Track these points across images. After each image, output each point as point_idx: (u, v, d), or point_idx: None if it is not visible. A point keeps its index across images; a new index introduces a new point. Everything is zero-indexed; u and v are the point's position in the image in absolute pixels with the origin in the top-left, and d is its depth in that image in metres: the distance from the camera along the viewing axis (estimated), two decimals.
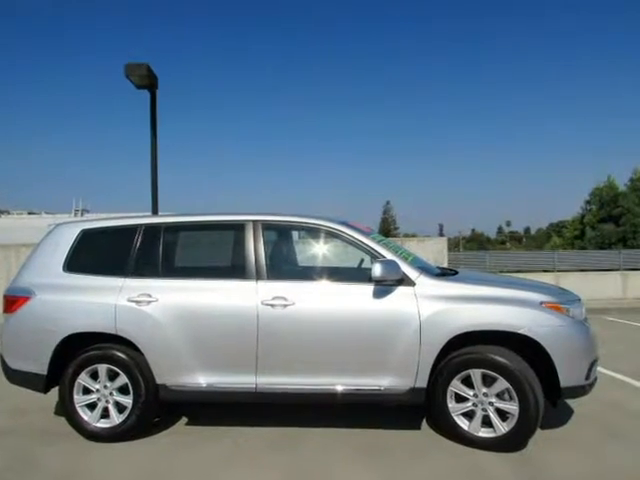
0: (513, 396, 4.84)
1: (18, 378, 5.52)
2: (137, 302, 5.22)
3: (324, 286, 5.25)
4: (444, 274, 5.67)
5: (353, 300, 5.11)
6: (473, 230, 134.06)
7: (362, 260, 5.78)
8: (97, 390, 5.32)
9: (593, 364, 5.11)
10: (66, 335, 5.26)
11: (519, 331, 4.87)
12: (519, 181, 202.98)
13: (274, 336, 5.10)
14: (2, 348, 5.56)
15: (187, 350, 5.16)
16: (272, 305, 5.09)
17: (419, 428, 5.51)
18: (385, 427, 5.51)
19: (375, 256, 5.20)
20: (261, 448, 5.09)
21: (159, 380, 5.24)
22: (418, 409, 5.60)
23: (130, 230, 5.56)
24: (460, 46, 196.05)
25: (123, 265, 5.42)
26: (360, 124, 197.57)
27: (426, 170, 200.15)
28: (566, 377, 4.89)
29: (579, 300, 5.36)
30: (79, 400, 5.34)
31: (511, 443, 4.91)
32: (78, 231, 5.64)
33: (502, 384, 4.87)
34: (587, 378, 5.01)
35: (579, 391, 5.03)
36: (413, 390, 5.02)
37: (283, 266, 6.05)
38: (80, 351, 5.33)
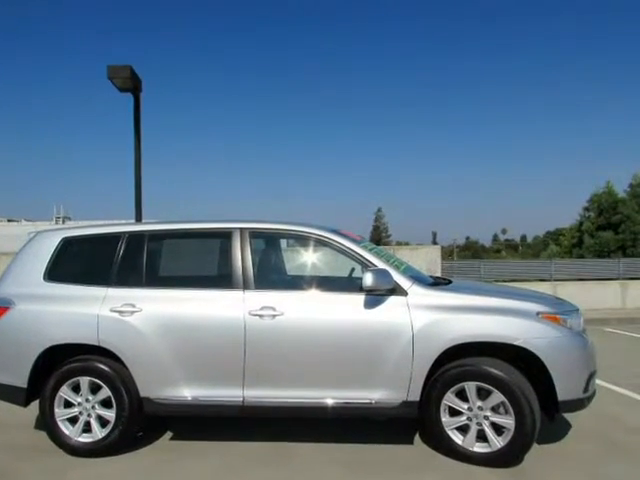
0: (509, 410, 4.84)
1: None
2: (120, 312, 5.21)
3: (314, 296, 5.26)
4: (437, 284, 5.67)
5: (344, 310, 5.11)
6: (468, 238, 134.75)
7: (353, 269, 5.79)
8: (79, 403, 5.30)
9: (591, 377, 5.12)
10: (47, 347, 5.24)
11: (515, 342, 4.88)
12: (515, 188, 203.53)
13: (262, 347, 5.09)
14: None
15: (172, 362, 5.15)
16: (260, 315, 5.09)
17: (412, 443, 5.51)
18: (377, 442, 5.51)
19: (366, 265, 5.20)
20: (248, 464, 5.07)
21: (143, 393, 5.22)
22: (411, 423, 5.61)
23: (113, 238, 5.55)
24: (456, 51, 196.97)
25: (106, 274, 5.41)
26: (353, 130, 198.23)
27: (419, 176, 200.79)
28: (563, 390, 4.90)
29: (577, 310, 5.38)
30: (60, 414, 5.30)
31: (507, 458, 4.91)
32: (59, 239, 5.62)
33: (497, 397, 4.87)
34: (585, 391, 5.03)
35: (577, 404, 5.04)
36: (405, 403, 5.02)
37: (271, 275, 6.05)
38: (61, 363, 5.31)
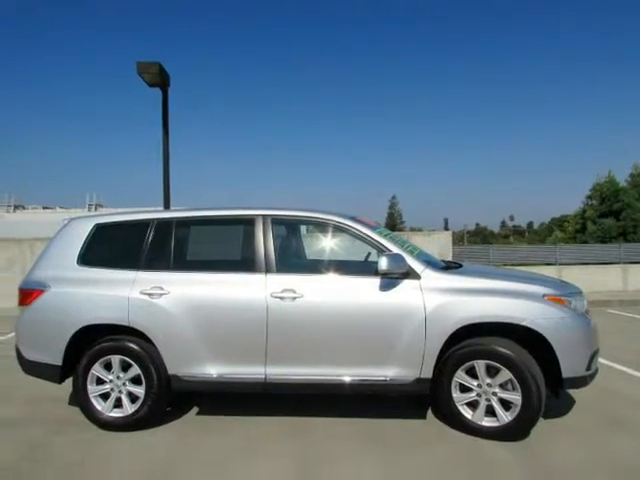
0: (516, 386, 4.84)
1: (34, 369, 5.54)
2: (149, 295, 5.23)
3: (332, 279, 5.25)
4: (449, 267, 5.64)
5: (360, 292, 5.10)
6: (477, 224, 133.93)
7: (369, 254, 5.78)
8: (110, 381, 5.33)
9: (594, 355, 5.10)
10: (80, 327, 5.28)
11: (522, 323, 4.86)
12: (523, 176, 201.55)
13: (283, 327, 5.10)
14: (18, 340, 5.57)
15: (198, 341, 5.17)
16: (281, 297, 5.09)
17: (425, 417, 5.51)
18: (391, 416, 5.52)
19: (381, 250, 5.19)
20: (270, 437, 5.10)
21: (171, 371, 5.25)
22: (424, 399, 5.62)
23: (143, 225, 5.57)
24: (462, 44, 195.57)
25: (136, 259, 5.43)
26: (365, 121, 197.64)
27: (432, 165, 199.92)
28: (567, 368, 4.88)
29: (580, 293, 5.34)
30: (93, 390, 5.35)
31: (514, 432, 4.91)
32: (92, 225, 5.65)
33: (505, 375, 4.87)
34: (588, 369, 5.00)
35: (580, 382, 5.02)
36: (419, 380, 5.02)
37: (292, 259, 6.04)
38: (94, 343, 5.35)
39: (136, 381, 5.32)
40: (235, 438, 5.08)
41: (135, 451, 4.86)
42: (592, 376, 5.12)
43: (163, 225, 5.55)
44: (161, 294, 5.22)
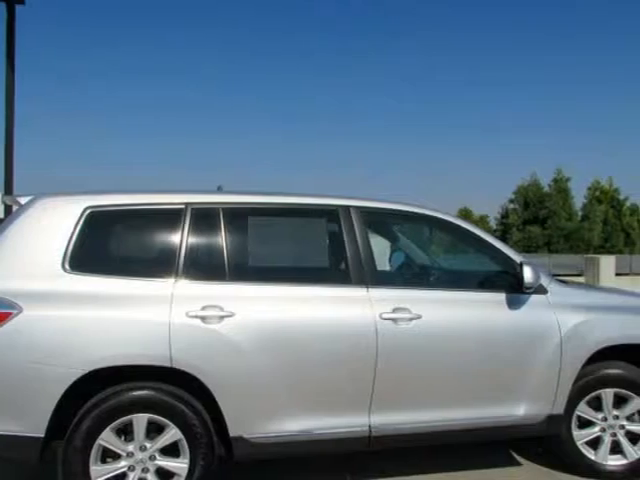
0: None
1: None
2: (203, 318, 3.32)
3: (449, 293, 3.89)
4: (563, 281, 4.58)
5: (490, 311, 3.85)
6: None
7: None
8: (129, 454, 3.28)
9: None
10: (86, 372, 3.15)
11: None
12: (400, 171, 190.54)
13: (398, 360, 3.62)
14: None
15: (277, 385, 3.42)
16: (394, 320, 3.59)
17: (520, 464, 4.37)
18: (480, 466, 4.28)
19: (498, 257, 4.05)
20: None
21: (234, 431, 3.38)
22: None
23: (170, 212, 3.56)
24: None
25: (167, 262, 3.44)
26: None
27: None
28: None
29: None
30: (99, 472, 3.23)
31: None
32: (80, 210, 3.41)
33: (637, 404, 4.05)
34: None
35: None
36: (550, 418, 3.92)
37: (395, 268, 4.43)
38: (98, 396, 3.24)
39: (170, 452, 3.35)
40: None
41: None
42: None
43: (205, 213, 3.61)
44: (222, 316, 3.35)
